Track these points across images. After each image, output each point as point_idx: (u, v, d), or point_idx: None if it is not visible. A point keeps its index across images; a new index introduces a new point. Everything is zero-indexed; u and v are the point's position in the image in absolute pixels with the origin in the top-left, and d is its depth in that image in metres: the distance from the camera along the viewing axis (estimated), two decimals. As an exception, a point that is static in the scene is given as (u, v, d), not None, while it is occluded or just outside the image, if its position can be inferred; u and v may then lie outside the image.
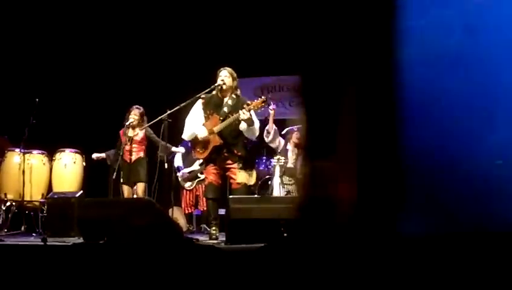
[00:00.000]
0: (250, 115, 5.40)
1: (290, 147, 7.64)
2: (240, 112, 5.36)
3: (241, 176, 5.52)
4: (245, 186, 5.55)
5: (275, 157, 7.63)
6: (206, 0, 9.11)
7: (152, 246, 2.50)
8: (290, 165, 7.48)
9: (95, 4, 8.84)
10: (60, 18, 8.87)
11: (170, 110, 5.66)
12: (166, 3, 9.11)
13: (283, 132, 7.74)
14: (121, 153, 6.71)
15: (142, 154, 6.95)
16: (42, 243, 4.07)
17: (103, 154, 7.29)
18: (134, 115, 6.88)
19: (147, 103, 7.23)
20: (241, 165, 5.55)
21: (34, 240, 5.70)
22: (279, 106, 10.11)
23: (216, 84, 5.56)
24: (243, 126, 5.47)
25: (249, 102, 5.47)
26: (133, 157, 6.85)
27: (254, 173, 5.76)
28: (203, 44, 9.36)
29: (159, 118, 5.80)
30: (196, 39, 9.44)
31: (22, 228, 6.76)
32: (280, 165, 7.59)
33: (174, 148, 7.29)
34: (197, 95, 5.66)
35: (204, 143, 5.58)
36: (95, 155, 7.29)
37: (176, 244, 2.59)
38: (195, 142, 5.67)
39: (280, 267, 2.66)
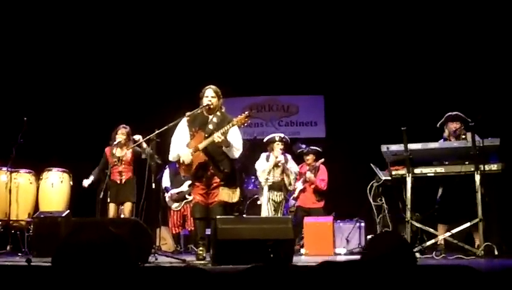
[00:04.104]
0: (225, 137, 5.34)
1: (272, 157, 7.33)
2: (214, 135, 5.34)
3: (223, 194, 5.51)
4: (223, 205, 5.51)
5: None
6: (197, 19, 9.19)
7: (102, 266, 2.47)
8: (277, 178, 7.31)
9: (82, 24, 8.90)
10: (48, 38, 8.93)
11: (159, 129, 5.67)
12: (158, 20, 9.19)
13: (265, 140, 7.55)
14: (109, 173, 6.72)
15: (131, 174, 6.99)
16: (26, 264, 4.03)
17: (91, 177, 7.10)
18: (121, 135, 6.92)
19: (133, 122, 7.24)
20: (224, 182, 5.54)
21: (19, 260, 5.64)
22: (269, 125, 10.18)
23: (204, 105, 5.57)
24: (224, 146, 5.48)
25: (234, 119, 5.46)
26: (124, 178, 6.91)
27: (238, 191, 5.72)
28: (193, 63, 9.41)
29: (148, 137, 5.81)
30: (185, 58, 9.50)
31: (8, 248, 6.69)
32: (268, 185, 7.57)
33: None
34: (187, 114, 5.67)
35: (190, 161, 5.56)
36: (86, 183, 7.05)
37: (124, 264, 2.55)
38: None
39: (267, 289, 2.66)
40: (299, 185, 7.94)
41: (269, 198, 7.30)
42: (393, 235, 2.91)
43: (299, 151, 8.22)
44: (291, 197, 7.98)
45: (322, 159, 7.94)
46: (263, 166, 7.38)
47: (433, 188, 6.12)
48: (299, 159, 8.10)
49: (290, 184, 7.38)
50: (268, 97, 10.31)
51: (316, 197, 7.99)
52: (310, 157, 8.06)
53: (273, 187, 7.33)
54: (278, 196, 7.35)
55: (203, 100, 5.62)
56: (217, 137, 5.31)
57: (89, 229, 2.67)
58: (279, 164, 7.29)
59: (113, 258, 2.57)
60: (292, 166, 7.41)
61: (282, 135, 7.50)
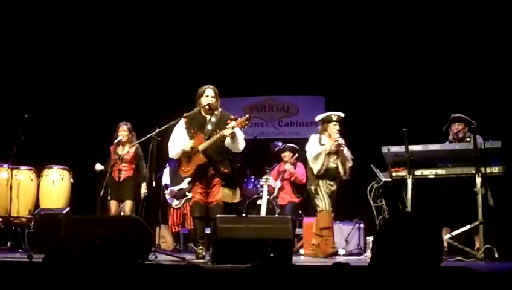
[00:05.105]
0: (230, 133, 5.38)
1: (326, 140, 6.56)
2: (225, 130, 5.36)
3: (224, 194, 5.53)
4: (223, 204, 5.54)
5: (263, 177, 7.61)
6: (198, 19, 9.19)
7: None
8: (332, 165, 6.50)
9: (83, 23, 8.90)
10: (50, 36, 8.93)
11: (159, 128, 5.68)
12: (158, 21, 9.19)
13: (318, 118, 6.78)
14: (110, 171, 6.73)
15: (131, 173, 6.96)
16: (28, 260, 4.04)
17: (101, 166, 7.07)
18: (123, 132, 6.92)
19: (134, 120, 7.24)
20: (224, 182, 5.55)
21: (20, 256, 5.64)
22: (269, 125, 10.17)
23: (204, 105, 5.57)
24: (227, 141, 5.48)
25: (232, 116, 5.49)
26: (122, 176, 6.88)
27: (238, 191, 5.72)
28: (193, 63, 9.40)
29: (148, 135, 5.81)
30: (186, 58, 9.50)
31: (8, 244, 6.71)
32: (268, 185, 7.55)
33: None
34: (185, 115, 5.67)
35: (189, 161, 5.58)
36: (98, 167, 7.04)
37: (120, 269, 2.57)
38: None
39: (266, 288, 2.66)
40: (278, 184, 7.95)
41: (322, 190, 6.44)
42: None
43: (276, 149, 8.24)
44: (272, 197, 7.91)
45: (296, 155, 7.96)
46: (316, 149, 6.46)
47: (433, 190, 6.13)
48: (275, 158, 8.21)
49: (344, 173, 6.52)
50: (268, 97, 10.29)
51: (295, 193, 8.02)
52: (286, 154, 8.05)
53: (326, 176, 6.46)
54: (330, 186, 6.54)
55: (202, 100, 5.61)
56: (227, 129, 5.33)
57: (77, 242, 2.69)
58: (341, 147, 6.42)
59: (103, 267, 2.59)
60: (347, 153, 6.57)
61: (342, 114, 6.64)
